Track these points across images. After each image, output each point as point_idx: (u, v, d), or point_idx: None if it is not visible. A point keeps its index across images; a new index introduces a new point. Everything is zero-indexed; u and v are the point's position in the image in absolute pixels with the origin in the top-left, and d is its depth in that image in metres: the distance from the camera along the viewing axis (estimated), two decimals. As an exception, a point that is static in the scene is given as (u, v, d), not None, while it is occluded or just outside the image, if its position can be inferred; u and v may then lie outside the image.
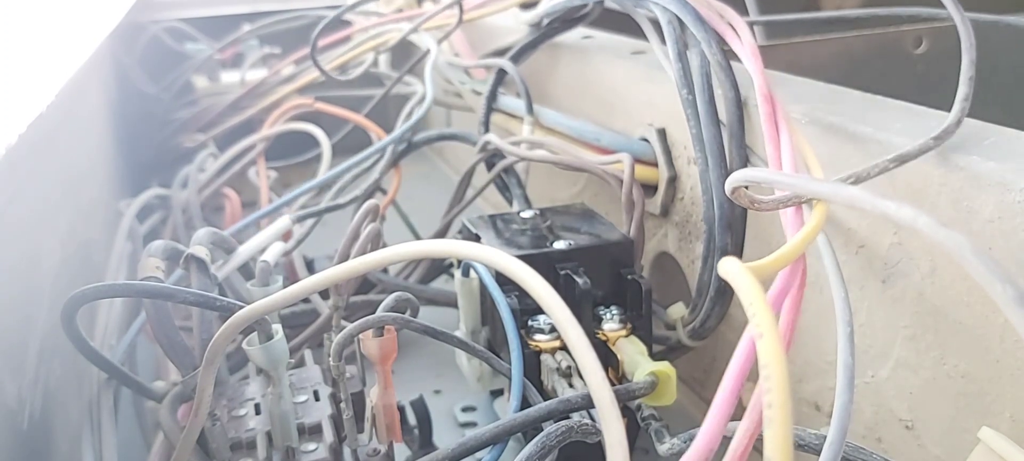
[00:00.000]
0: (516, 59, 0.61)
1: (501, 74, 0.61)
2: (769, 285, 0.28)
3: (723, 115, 0.41)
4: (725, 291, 0.42)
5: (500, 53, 0.65)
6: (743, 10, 0.76)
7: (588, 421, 0.32)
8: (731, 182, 0.30)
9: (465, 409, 0.49)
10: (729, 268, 0.21)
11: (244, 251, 0.45)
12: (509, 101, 0.59)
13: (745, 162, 0.40)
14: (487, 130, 0.60)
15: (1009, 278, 0.16)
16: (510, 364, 0.36)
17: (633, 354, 0.38)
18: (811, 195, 0.22)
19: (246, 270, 0.46)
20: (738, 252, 0.42)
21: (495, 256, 0.25)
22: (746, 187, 0.32)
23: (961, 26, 0.37)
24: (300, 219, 0.54)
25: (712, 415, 0.22)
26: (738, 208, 0.41)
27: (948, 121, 0.32)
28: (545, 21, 0.61)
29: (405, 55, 0.78)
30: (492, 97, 0.61)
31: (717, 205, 0.40)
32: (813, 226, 0.29)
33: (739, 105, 0.40)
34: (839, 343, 0.29)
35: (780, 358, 0.18)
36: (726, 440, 0.25)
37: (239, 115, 0.80)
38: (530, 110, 0.56)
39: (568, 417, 0.32)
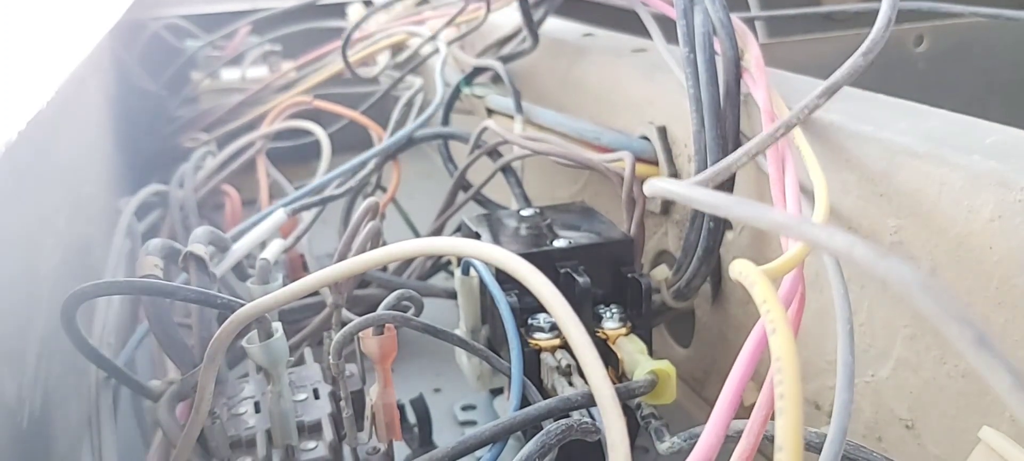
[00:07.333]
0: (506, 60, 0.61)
1: (476, 71, 0.62)
2: (777, 287, 0.28)
3: (721, 76, 0.40)
4: (712, 251, 0.42)
5: (497, 45, 0.65)
6: (745, 7, 0.76)
7: (588, 420, 0.32)
8: (648, 189, 0.26)
9: (465, 408, 0.48)
10: (742, 268, 0.22)
11: (239, 248, 0.45)
12: (507, 101, 0.60)
13: (738, 124, 0.40)
14: (446, 122, 0.60)
15: (966, 317, 0.14)
16: (510, 363, 0.36)
17: (633, 353, 0.38)
18: (729, 217, 0.19)
19: (241, 267, 0.46)
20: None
21: (496, 253, 0.25)
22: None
23: None
24: (295, 212, 0.54)
25: (717, 413, 0.22)
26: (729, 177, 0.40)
27: (873, 33, 0.31)
28: None
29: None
30: (457, 91, 0.61)
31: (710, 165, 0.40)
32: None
33: (737, 64, 0.40)
34: (839, 341, 0.29)
35: (791, 351, 0.19)
36: (729, 441, 0.25)
37: (241, 118, 0.80)
38: (519, 109, 0.56)
39: (568, 416, 0.32)
